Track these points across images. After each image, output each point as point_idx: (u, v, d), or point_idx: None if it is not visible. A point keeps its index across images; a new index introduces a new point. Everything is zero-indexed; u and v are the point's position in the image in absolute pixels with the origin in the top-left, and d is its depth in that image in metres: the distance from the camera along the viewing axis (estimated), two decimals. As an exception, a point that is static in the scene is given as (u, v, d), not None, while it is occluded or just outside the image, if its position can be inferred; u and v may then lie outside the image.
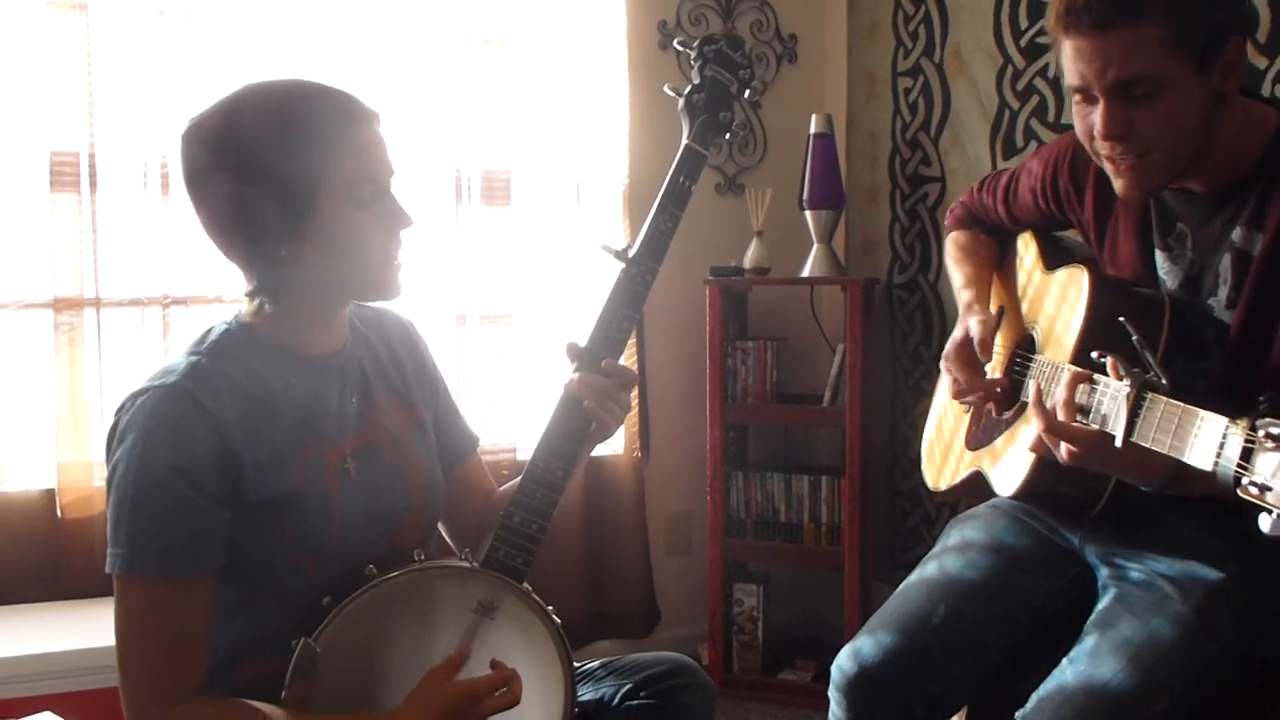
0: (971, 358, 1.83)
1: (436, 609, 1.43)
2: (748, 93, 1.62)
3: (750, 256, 3.22)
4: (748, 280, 3.23)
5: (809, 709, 3.06)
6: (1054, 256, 1.84)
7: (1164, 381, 1.32)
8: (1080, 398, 1.45)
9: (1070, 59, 1.47)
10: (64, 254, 2.60)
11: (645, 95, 3.16)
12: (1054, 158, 1.79)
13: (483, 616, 1.44)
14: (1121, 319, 1.41)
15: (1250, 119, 1.52)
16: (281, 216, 1.36)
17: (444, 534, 1.71)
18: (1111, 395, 1.39)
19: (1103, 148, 1.51)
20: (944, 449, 2.00)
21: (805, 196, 3.19)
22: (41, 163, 2.58)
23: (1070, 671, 1.51)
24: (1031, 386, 1.54)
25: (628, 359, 3.07)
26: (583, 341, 1.52)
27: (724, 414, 3.17)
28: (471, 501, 1.69)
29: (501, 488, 1.71)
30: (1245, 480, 1.14)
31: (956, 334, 1.86)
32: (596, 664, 1.64)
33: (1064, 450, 1.44)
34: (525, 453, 2.98)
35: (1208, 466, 1.21)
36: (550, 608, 1.48)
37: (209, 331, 1.45)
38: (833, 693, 1.76)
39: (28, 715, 1.83)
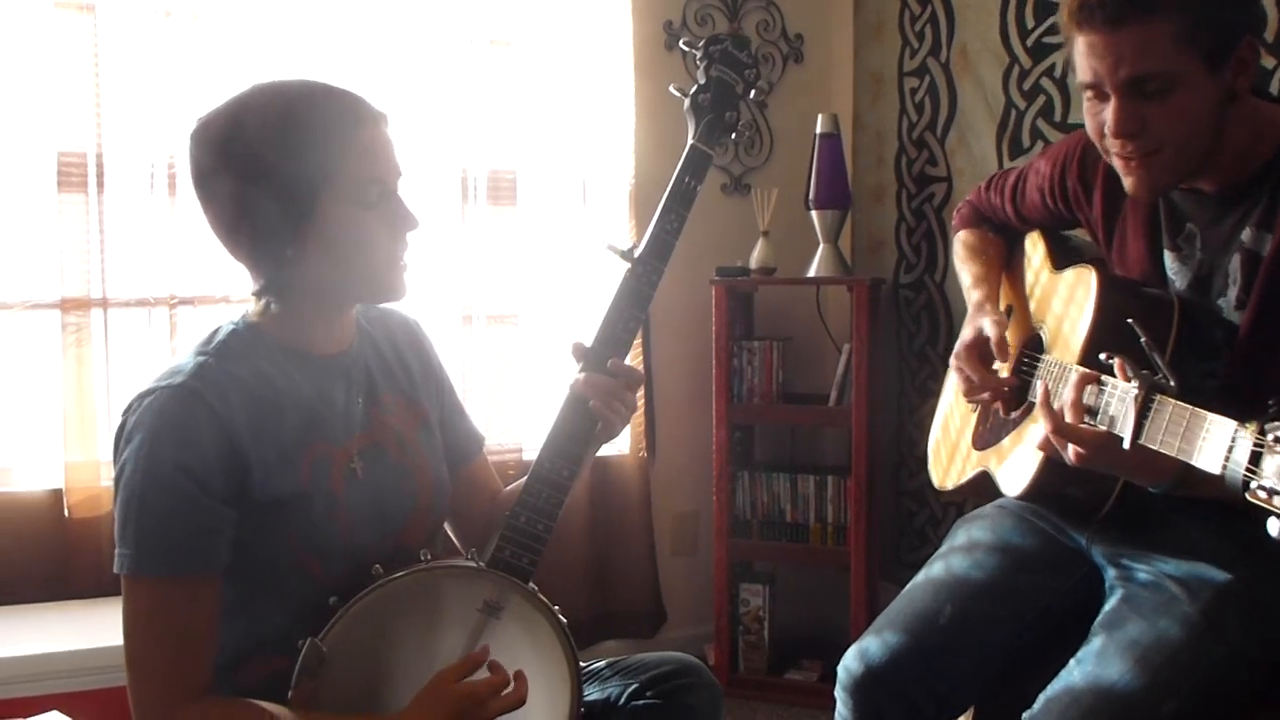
0: (983, 356, 1.82)
1: (443, 609, 1.43)
2: (753, 93, 1.61)
3: (756, 256, 3.22)
4: (754, 280, 3.23)
5: (815, 709, 3.05)
6: (1062, 256, 1.84)
7: (1172, 383, 1.32)
8: (1088, 399, 1.44)
9: (1083, 55, 1.47)
10: (71, 254, 2.60)
11: (651, 95, 3.16)
12: (1062, 157, 1.79)
13: (489, 616, 1.44)
14: (1130, 320, 1.41)
15: (1261, 118, 1.52)
16: (288, 217, 1.36)
17: (450, 534, 1.71)
18: (1119, 397, 1.38)
19: (1113, 145, 1.51)
20: (950, 448, 1.99)
21: (811, 196, 3.19)
22: (49, 163, 2.58)
23: (1078, 672, 1.51)
24: (1039, 387, 1.53)
25: (633, 359, 3.07)
26: (588, 341, 1.52)
27: (730, 414, 3.17)
28: (477, 501, 1.69)
29: (507, 488, 1.71)
30: (1254, 484, 1.14)
31: (966, 333, 1.86)
32: (602, 664, 1.64)
33: (1071, 451, 1.44)
34: (531, 453, 2.98)
35: (1216, 470, 1.21)
36: (556, 607, 1.47)
37: (216, 332, 1.45)
38: (839, 693, 1.76)
39: (35, 715, 1.83)
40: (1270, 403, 1.16)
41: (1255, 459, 1.14)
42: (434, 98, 2.96)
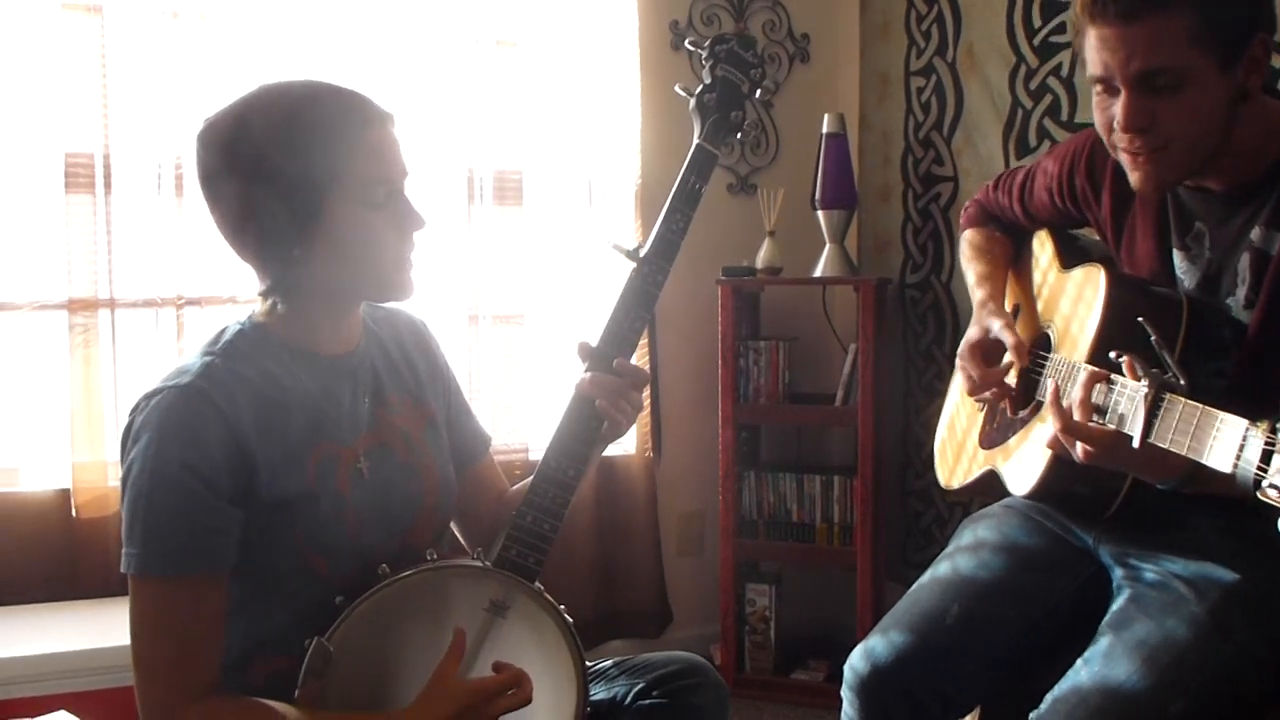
0: (987, 355, 1.82)
1: (449, 608, 1.43)
2: (759, 92, 1.61)
3: (762, 256, 3.22)
4: (760, 280, 3.23)
5: (821, 709, 3.05)
6: (1070, 255, 1.83)
7: (1182, 382, 1.32)
8: (1097, 398, 1.44)
9: (1094, 48, 1.47)
10: (79, 255, 2.61)
11: (657, 95, 3.16)
12: (1071, 156, 1.78)
13: (495, 616, 1.44)
14: (1140, 319, 1.40)
15: (1271, 117, 1.51)
16: (294, 217, 1.36)
17: (456, 533, 1.71)
18: (1129, 396, 1.38)
19: (1122, 140, 1.50)
20: (957, 448, 1.99)
21: (817, 196, 3.19)
22: (56, 164, 2.59)
23: (1085, 672, 1.50)
24: (1050, 385, 1.53)
25: (639, 359, 3.06)
26: (594, 341, 1.52)
27: (736, 414, 3.17)
28: (484, 501, 1.69)
29: (514, 487, 1.71)
30: (1265, 483, 1.13)
31: (972, 332, 1.86)
32: (609, 663, 1.64)
33: (1080, 449, 1.44)
34: (537, 452, 2.95)
35: (1227, 469, 1.20)
36: (562, 607, 1.47)
37: (222, 332, 1.45)
38: (845, 692, 1.75)
39: (43, 714, 1.84)
40: None
41: (1266, 457, 1.14)
42: (440, 98, 2.97)
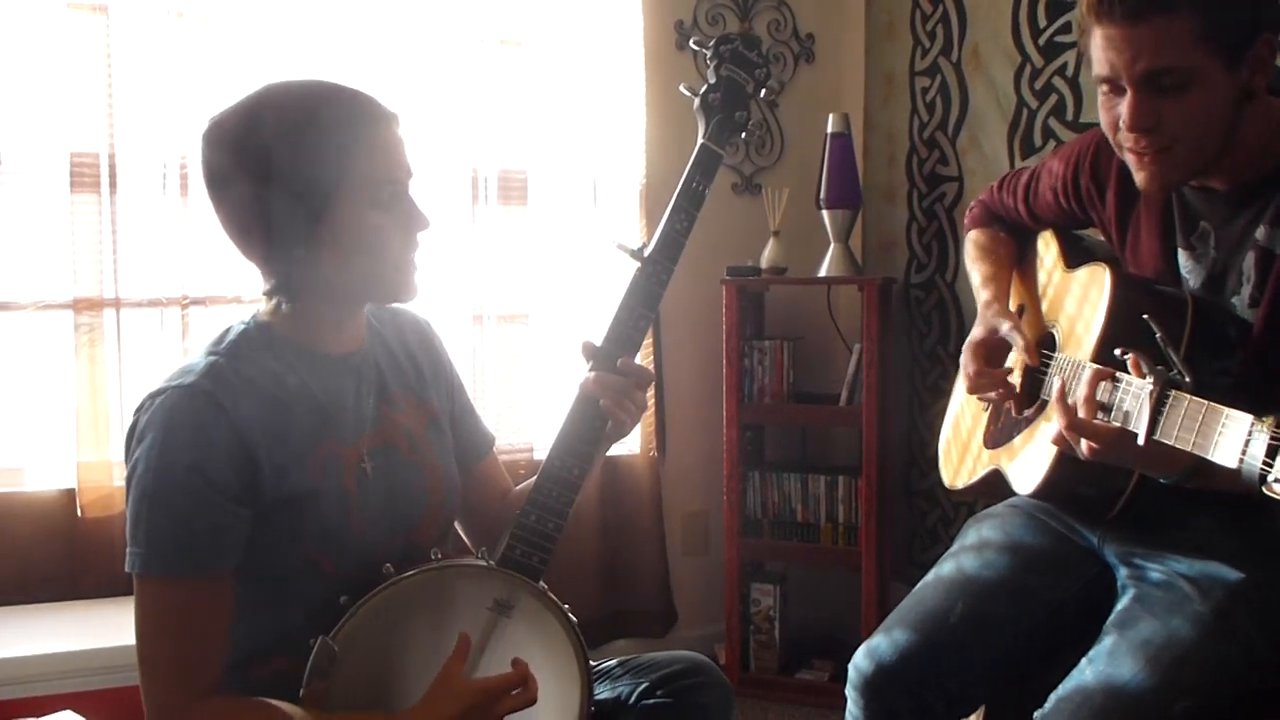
0: (989, 354, 1.82)
1: (454, 607, 1.43)
2: (764, 92, 1.61)
3: (767, 256, 3.22)
4: (764, 280, 3.22)
5: (826, 709, 3.05)
6: (1075, 255, 1.83)
7: (1187, 379, 1.32)
8: (1102, 395, 1.44)
9: (1100, 48, 1.47)
10: (84, 255, 2.61)
11: (662, 95, 3.16)
12: (1076, 156, 1.78)
13: (499, 615, 1.44)
14: (1145, 315, 1.40)
15: (1275, 117, 1.52)
16: (299, 216, 1.36)
17: (461, 533, 1.71)
18: (1134, 393, 1.38)
19: (1127, 139, 1.50)
20: (961, 447, 1.99)
21: (822, 196, 3.19)
22: (62, 164, 2.59)
23: (1089, 672, 1.50)
24: (1056, 382, 1.53)
25: (644, 359, 3.07)
26: (598, 341, 1.52)
27: (740, 414, 3.17)
28: (488, 500, 1.70)
29: (518, 486, 1.71)
30: (1271, 478, 1.14)
31: (976, 331, 1.85)
32: (613, 662, 1.64)
33: (1085, 446, 1.44)
34: (542, 452, 2.98)
35: (1233, 464, 1.20)
36: (566, 606, 1.48)
37: (227, 331, 1.46)
38: (849, 692, 1.75)
39: (48, 714, 1.84)
40: None
41: (1272, 453, 1.14)
42: (445, 98, 2.97)
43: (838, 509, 3.16)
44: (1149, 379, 1.33)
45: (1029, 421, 1.77)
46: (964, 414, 2.02)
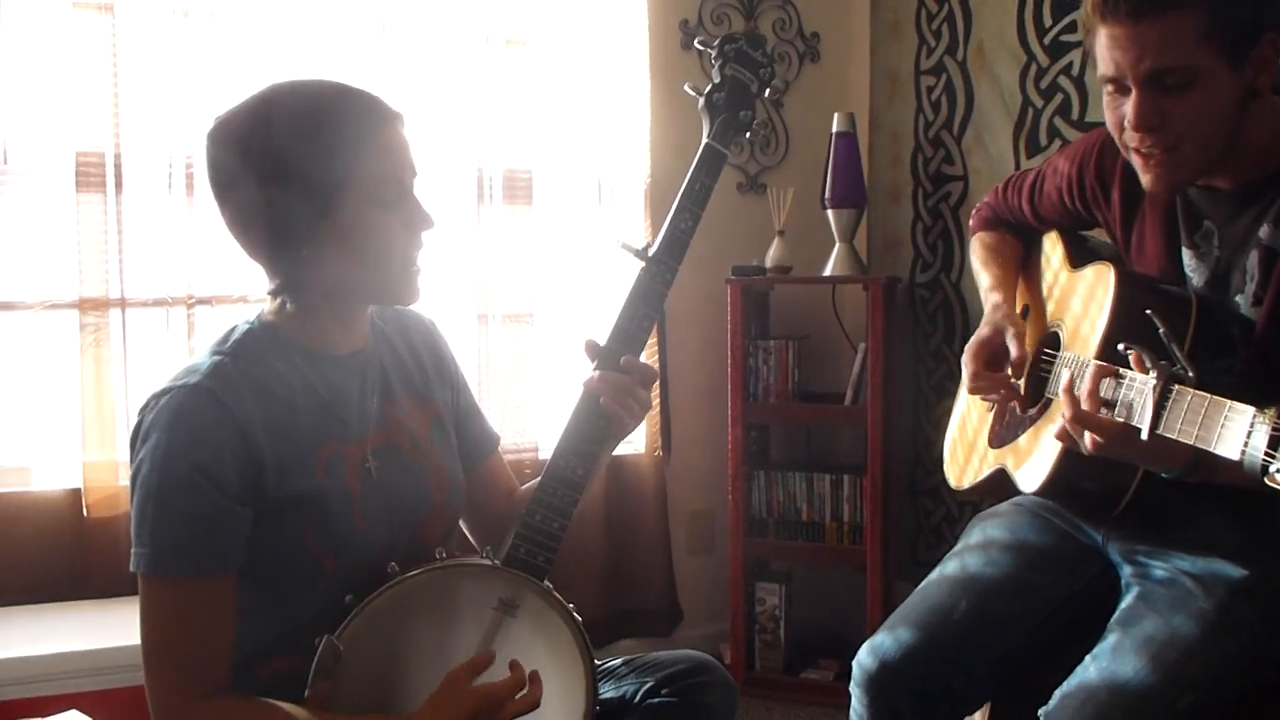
0: (993, 355, 1.82)
1: (458, 607, 1.44)
2: (769, 91, 1.61)
3: (772, 255, 3.22)
4: (769, 279, 3.22)
5: (831, 708, 3.05)
6: (1080, 255, 1.83)
7: (1190, 374, 1.32)
8: (1105, 392, 1.44)
9: (1105, 47, 1.47)
10: (89, 254, 2.61)
11: (667, 94, 3.16)
12: (1081, 155, 1.78)
13: (504, 614, 1.44)
14: (1148, 311, 1.40)
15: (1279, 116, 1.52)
16: (305, 216, 1.36)
17: (465, 532, 1.71)
18: (1138, 389, 1.38)
19: (1132, 139, 1.50)
20: (967, 447, 1.99)
21: (827, 195, 3.19)
22: (67, 163, 2.60)
23: (1093, 669, 1.50)
24: (1065, 376, 1.53)
25: (648, 358, 3.07)
26: (602, 340, 1.52)
27: (745, 413, 3.17)
28: (493, 500, 1.70)
29: (523, 486, 1.71)
30: (1273, 469, 1.14)
31: (983, 331, 1.85)
32: (618, 662, 1.64)
33: (1088, 440, 1.44)
34: (547, 451, 2.97)
35: (1235, 456, 1.21)
36: (571, 606, 1.48)
37: (232, 331, 1.46)
38: (854, 689, 1.75)
39: (54, 714, 1.84)
40: None
41: (1274, 444, 1.15)
42: (450, 97, 2.97)
43: (843, 508, 3.15)
44: (1152, 374, 1.34)
45: (1033, 421, 1.77)
46: (970, 413, 2.02)
